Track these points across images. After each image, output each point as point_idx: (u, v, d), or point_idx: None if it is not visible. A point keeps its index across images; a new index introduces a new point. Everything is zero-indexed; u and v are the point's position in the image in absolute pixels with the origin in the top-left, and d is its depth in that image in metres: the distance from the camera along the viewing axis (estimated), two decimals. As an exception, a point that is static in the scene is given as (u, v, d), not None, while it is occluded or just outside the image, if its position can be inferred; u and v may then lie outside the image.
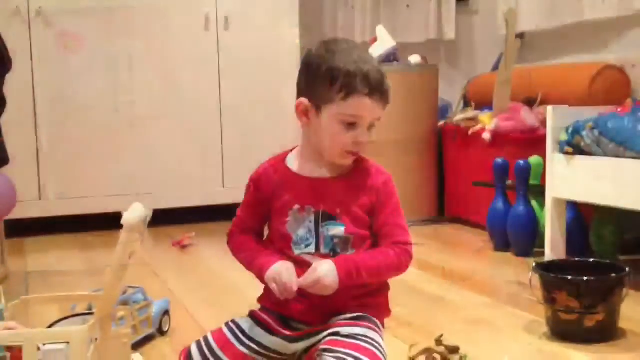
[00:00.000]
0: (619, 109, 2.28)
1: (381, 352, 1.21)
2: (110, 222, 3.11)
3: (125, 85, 3.29)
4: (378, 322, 1.28)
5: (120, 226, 1.20)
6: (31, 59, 3.15)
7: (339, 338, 1.20)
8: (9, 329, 1.28)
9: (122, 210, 3.46)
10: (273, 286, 1.23)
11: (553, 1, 3.45)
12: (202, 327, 1.86)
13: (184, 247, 2.91)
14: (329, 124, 1.24)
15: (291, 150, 1.35)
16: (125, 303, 1.65)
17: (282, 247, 1.29)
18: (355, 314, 1.25)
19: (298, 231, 1.27)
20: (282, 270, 1.23)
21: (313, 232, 1.26)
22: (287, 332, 1.27)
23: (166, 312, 1.82)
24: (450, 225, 3.35)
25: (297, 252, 1.27)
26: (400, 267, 1.28)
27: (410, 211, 3.32)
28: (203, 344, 1.26)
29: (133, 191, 3.30)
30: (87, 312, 1.55)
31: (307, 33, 3.61)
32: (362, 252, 1.27)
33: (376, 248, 1.28)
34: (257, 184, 1.33)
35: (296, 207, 1.27)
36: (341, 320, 1.25)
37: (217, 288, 2.27)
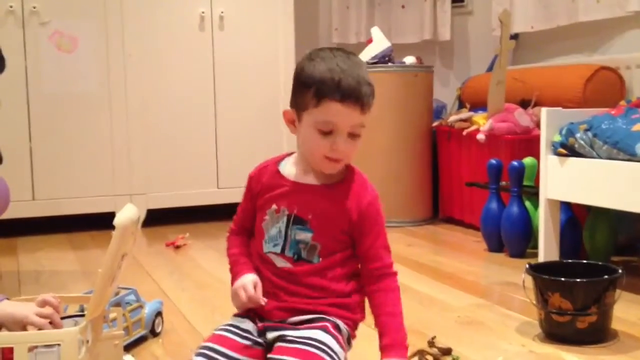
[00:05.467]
0: (612, 111, 2.28)
1: (328, 355, 1.19)
2: (103, 222, 3.11)
3: (119, 85, 3.28)
4: (340, 323, 1.26)
5: (113, 226, 1.20)
6: (25, 58, 3.13)
7: (283, 344, 1.21)
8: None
9: (115, 210, 3.48)
10: (239, 295, 1.28)
11: (547, 3, 3.46)
12: (195, 328, 1.86)
13: (177, 247, 2.90)
14: (307, 131, 1.25)
15: (290, 154, 1.36)
16: (117, 304, 1.64)
17: (257, 245, 1.32)
18: (312, 316, 1.25)
19: (270, 230, 1.29)
20: (244, 284, 1.27)
21: (282, 234, 1.28)
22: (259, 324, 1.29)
23: (159, 314, 1.81)
24: (443, 225, 3.36)
25: (265, 250, 1.30)
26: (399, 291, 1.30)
27: (404, 212, 3.37)
28: (207, 352, 1.22)
29: (127, 191, 3.30)
30: (78, 313, 1.55)
31: (302, 34, 3.61)
32: (385, 319, 1.25)
33: (383, 299, 1.26)
34: (249, 183, 1.36)
35: (274, 207, 1.30)
36: (295, 321, 1.25)
37: (210, 289, 2.26)
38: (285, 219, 1.28)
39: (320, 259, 1.27)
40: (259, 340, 1.26)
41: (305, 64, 1.25)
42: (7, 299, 1.40)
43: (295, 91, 1.27)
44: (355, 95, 1.21)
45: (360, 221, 1.27)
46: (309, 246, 1.27)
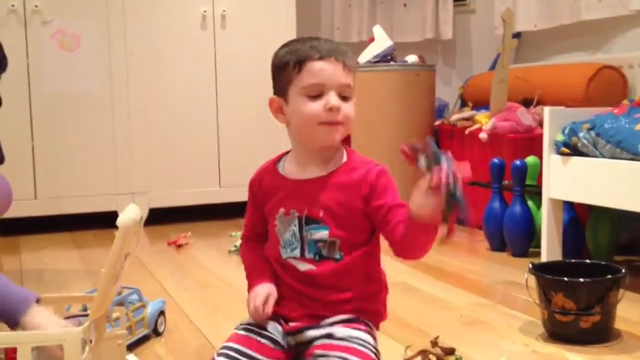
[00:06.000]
0: (615, 110, 2.28)
1: (375, 354, 1.21)
2: (105, 220, 3.11)
3: (121, 84, 3.28)
4: (372, 325, 1.27)
5: (116, 226, 1.20)
6: (27, 57, 3.14)
7: (332, 341, 1.20)
8: None
9: (117, 209, 3.45)
10: (250, 308, 1.26)
11: (550, 2, 3.46)
12: (198, 327, 1.86)
13: (179, 246, 2.90)
14: (297, 104, 1.23)
15: (286, 153, 1.34)
16: (120, 304, 1.64)
17: (273, 251, 1.29)
18: (348, 317, 1.24)
19: (284, 235, 1.26)
20: (256, 294, 1.26)
21: (298, 236, 1.25)
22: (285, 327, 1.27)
23: (161, 313, 1.81)
24: (446, 224, 3.34)
25: (284, 256, 1.27)
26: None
27: (407, 211, 3.35)
28: (230, 352, 1.20)
29: (129, 190, 3.30)
30: (82, 313, 1.55)
31: (304, 33, 3.60)
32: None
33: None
34: (251, 189, 1.34)
35: (282, 210, 1.27)
36: (335, 322, 1.24)
37: (212, 288, 2.26)
38: (296, 221, 1.25)
39: (342, 253, 1.23)
40: (282, 342, 1.24)
41: (278, 50, 1.28)
42: (38, 299, 1.36)
43: (275, 77, 1.27)
44: (333, 53, 1.22)
45: (372, 190, 1.22)
46: (329, 243, 1.23)
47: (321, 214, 1.23)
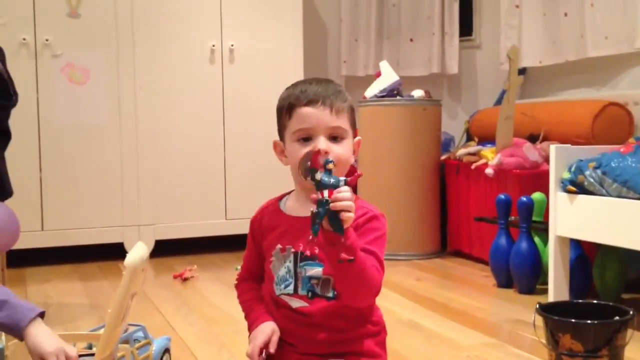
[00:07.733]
0: (621, 149, 2.28)
1: None
2: (111, 252, 3.11)
3: (129, 117, 3.30)
4: None
5: (121, 257, 1.21)
6: (37, 90, 3.17)
7: None
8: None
9: (124, 241, 3.42)
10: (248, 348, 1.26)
11: (556, 38, 3.48)
12: (203, 365, 1.85)
13: (185, 279, 2.90)
14: (291, 148, 1.27)
15: (290, 192, 1.36)
16: (126, 342, 1.63)
17: (268, 288, 1.30)
18: None
19: (279, 271, 1.28)
20: (255, 335, 1.26)
21: (292, 273, 1.26)
22: None
23: (167, 351, 1.80)
24: (452, 259, 3.34)
25: (277, 292, 1.28)
26: (378, 285, 1.20)
27: (413, 245, 3.36)
28: None
29: (135, 222, 3.31)
30: (86, 352, 1.54)
31: (311, 66, 3.63)
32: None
33: None
34: (252, 227, 1.36)
35: (278, 247, 1.28)
36: None
37: (217, 324, 2.25)
38: (292, 257, 1.26)
39: (336, 292, 1.24)
40: None
41: (282, 93, 1.31)
42: (42, 314, 1.38)
43: (277, 121, 1.31)
44: (321, 98, 1.24)
45: (355, 230, 1.20)
46: (322, 280, 1.24)
47: (317, 250, 1.24)
